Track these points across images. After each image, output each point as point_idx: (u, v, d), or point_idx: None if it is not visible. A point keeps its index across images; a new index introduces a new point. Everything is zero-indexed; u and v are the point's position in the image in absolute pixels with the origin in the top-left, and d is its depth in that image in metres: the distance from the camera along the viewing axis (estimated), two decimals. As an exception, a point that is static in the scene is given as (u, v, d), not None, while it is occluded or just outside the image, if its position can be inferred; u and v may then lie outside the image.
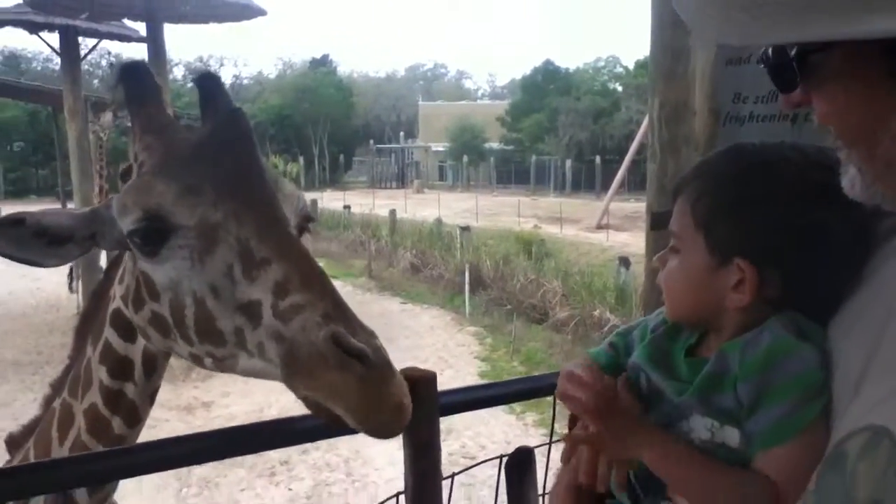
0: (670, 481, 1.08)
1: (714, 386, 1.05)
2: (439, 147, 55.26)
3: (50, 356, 10.36)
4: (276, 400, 8.70)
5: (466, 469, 1.73)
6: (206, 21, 10.89)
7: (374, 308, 13.85)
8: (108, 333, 1.40)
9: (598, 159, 40.49)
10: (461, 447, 7.25)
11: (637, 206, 29.93)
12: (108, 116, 13.25)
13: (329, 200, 32.59)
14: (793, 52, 0.92)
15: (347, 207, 27.95)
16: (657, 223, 1.13)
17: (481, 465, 1.72)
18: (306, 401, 1.08)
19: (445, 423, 1.43)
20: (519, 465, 1.60)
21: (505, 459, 1.58)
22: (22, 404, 8.37)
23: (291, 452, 7.16)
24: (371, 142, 56.50)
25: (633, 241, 20.48)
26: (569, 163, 43.43)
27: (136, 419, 1.44)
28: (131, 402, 1.42)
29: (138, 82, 1.34)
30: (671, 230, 1.15)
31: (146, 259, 1.21)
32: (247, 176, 1.21)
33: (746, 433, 1.02)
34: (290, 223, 1.23)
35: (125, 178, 1.33)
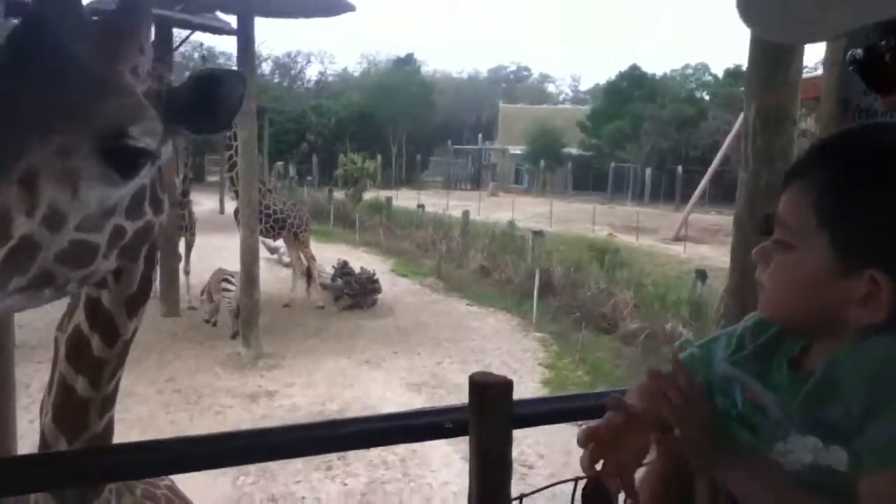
0: None
1: (822, 398, 0.90)
2: (517, 150, 54.96)
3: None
4: (338, 394, 8.74)
5: (539, 490, 1.60)
6: (295, 16, 11.03)
7: (440, 308, 13.80)
8: None
9: (679, 169, 39.52)
10: (519, 454, 7.10)
11: (718, 219, 29.03)
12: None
13: (404, 199, 32.78)
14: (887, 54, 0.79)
15: (421, 206, 28.03)
16: (771, 227, 1.00)
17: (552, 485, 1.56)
18: None
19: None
20: (599, 495, 1.45)
21: (581, 484, 1.44)
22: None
23: (350, 447, 7.16)
24: (449, 142, 56.62)
25: (712, 255, 19.85)
26: (648, 171, 42.53)
27: (114, 334, 1.33)
28: (107, 312, 1.32)
29: None
30: (781, 220, 0.97)
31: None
32: None
33: (856, 453, 0.85)
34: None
35: None
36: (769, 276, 0.99)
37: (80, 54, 1.03)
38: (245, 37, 10.19)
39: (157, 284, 12.80)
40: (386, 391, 8.89)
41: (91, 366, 1.34)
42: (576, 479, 1.35)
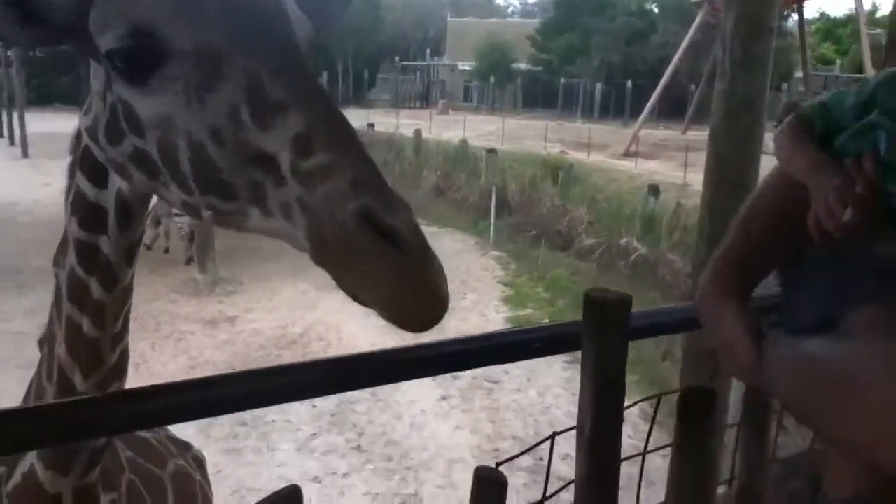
0: None
1: None
2: (466, 66, 54.08)
3: (73, 265, 10.42)
4: (301, 317, 8.71)
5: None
6: None
7: (397, 228, 13.73)
8: (78, 179, 1.22)
9: (629, 84, 39.46)
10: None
11: (667, 134, 29.28)
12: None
13: (352, 118, 31.43)
14: None
15: (371, 126, 27.56)
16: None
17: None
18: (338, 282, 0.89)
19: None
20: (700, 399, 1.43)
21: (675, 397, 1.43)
22: (45, 315, 8.43)
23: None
24: (396, 59, 55.36)
25: (662, 169, 20.08)
26: (599, 86, 42.41)
27: (112, 280, 1.26)
28: (106, 259, 1.25)
29: None
30: None
31: (129, 87, 0.99)
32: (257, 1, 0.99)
33: None
34: (307, 63, 0.99)
35: None
36: None
37: None
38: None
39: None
40: (347, 315, 8.87)
41: (93, 308, 1.27)
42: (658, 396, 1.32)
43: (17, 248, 10.95)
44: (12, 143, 23.59)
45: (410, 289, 0.86)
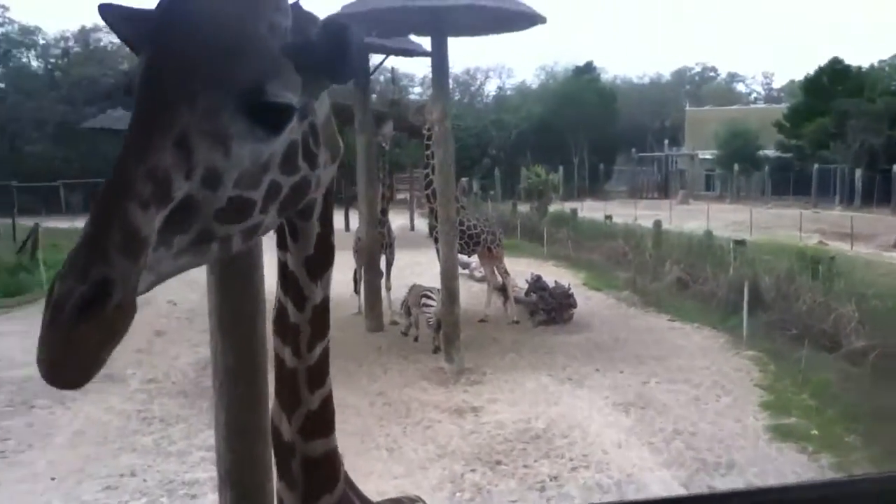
0: None
1: None
2: (707, 155, 52.38)
3: (334, 351, 11.01)
4: (543, 411, 8.61)
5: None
6: (487, 32, 11.12)
7: (639, 323, 13.31)
8: None
9: (894, 168, 35.76)
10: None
11: (948, 223, 25.88)
12: (388, 127, 14.13)
13: (589, 210, 32.25)
14: None
15: (609, 217, 27.43)
16: None
17: None
18: None
19: None
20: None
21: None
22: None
23: (562, 468, 7.00)
24: (633, 150, 55.10)
25: (945, 263, 17.66)
26: (858, 172, 38.89)
27: (301, 297, 1.41)
28: (293, 275, 1.40)
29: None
30: None
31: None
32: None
33: None
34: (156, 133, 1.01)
35: None
36: None
37: (219, 18, 1.06)
38: (439, 57, 10.38)
39: (361, 300, 13.42)
40: (591, 410, 8.64)
41: (290, 333, 1.42)
42: None
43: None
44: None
45: (38, 347, 0.93)
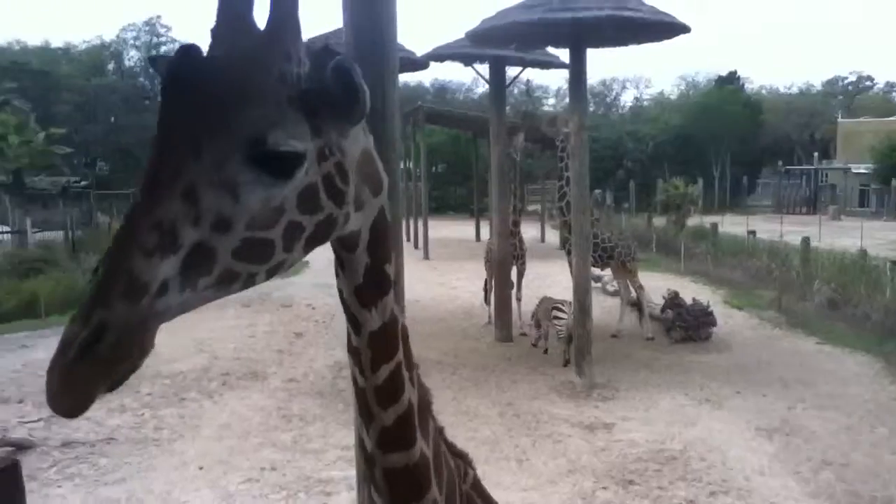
0: None
1: None
2: (861, 169, 48.87)
3: (465, 359, 11.30)
4: (679, 432, 8.30)
5: None
6: (627, 43, 10.88)
7: (784, 345, 12.56)
8: None
9: None
10: None
11: None
12: (520, 139, 14.13)
13: (730, 224, 30.87)
14: None
15: (752, 233, 26.13)
16: None
17: None
18: None
19: None
20: None
21: None
22: (443, 401, 9.19)
23: (699, 492, 6.70)
24: (780, 163, 52.28)
25: None
26: None
27: (355, 322, 1.47)
28: (345, 302, 1.48)
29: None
30: None
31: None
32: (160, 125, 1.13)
33: None
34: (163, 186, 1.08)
35: None
36: None
37: (227, 73, 1.12)
38: (577, 68, 10.27)
39: (491, 310, 13.46)
40: (732, 434, 8.23)
41: (355, 355, 1.50)
42: None
43: (415, 342, 12.25)
44: (416, 246, 26.94)
45: (46, 380, 1.02)
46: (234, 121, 1.11)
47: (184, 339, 11.81)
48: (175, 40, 54.12)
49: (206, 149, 1.09)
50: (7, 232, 25.54)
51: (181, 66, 1.13)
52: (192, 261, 1.08)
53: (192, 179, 1.08)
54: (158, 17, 61.85)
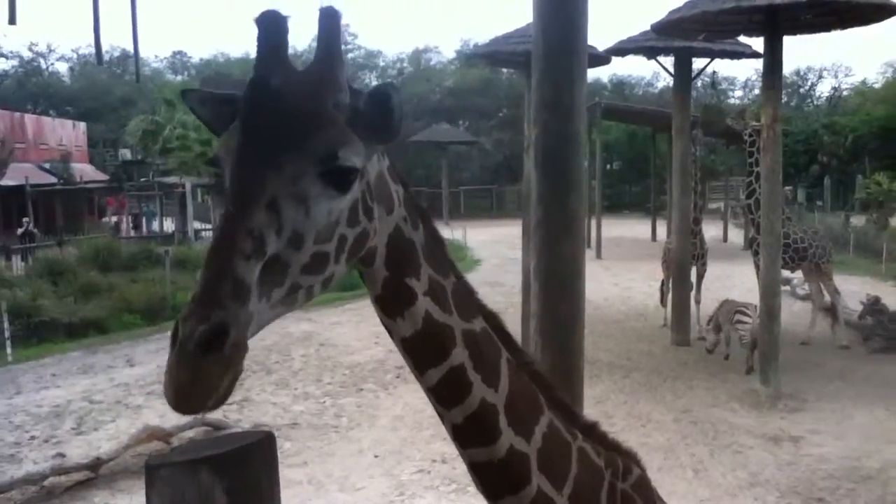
0: None
1: None
2: None
3: (638, 362, 11.00)
4: (877, 449, 7.66)
5: None
6: (829, 29, 10.04)
7: None
8: None
9: None
10: None
11: None
12: (695, 132, 13.53)
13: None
14: None
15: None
16: None
17: None
18: None
19: None
20: None
21: None
22: (614, 404, 9.02)
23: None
24: None
25: None
26: None
27: (388, 330, 1.55)
28: (376, 310, 1.58)
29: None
30: None
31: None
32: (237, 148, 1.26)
33: None
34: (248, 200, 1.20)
35: None
36: None
37: (295, 100, 1.26)
38: (772, 58, 9.64)
39: (667, 312, 13.01)
40: (941, 457, 7.46)
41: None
42: None
43: (588, 342, 12.08)
44: (588, 245, 26.51)
45: (166, 378, 1.11)
46: (310, 139, 1.25)
47: (363, 332, 12.43)
48: (361, 47, 56.67)
49: (286, 164, 1.22)
50: (209, 229, 27.96)
51: (257, 93, 1.27)
52: (269, 271, 1.18)
53: (274, 191, 1.21)
54: (346, 25, 65.14)
